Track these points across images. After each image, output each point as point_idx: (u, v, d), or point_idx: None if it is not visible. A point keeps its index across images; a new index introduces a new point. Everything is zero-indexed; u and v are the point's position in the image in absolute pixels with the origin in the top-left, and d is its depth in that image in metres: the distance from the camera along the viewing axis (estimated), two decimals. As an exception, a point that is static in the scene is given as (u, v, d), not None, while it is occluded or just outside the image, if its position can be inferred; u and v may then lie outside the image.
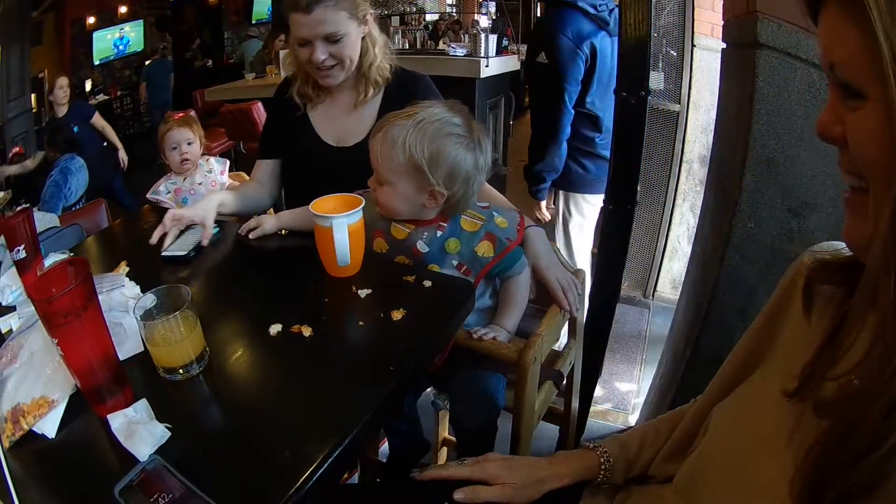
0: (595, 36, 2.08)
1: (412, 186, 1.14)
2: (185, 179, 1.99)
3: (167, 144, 1.98)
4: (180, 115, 2.06)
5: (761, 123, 1.25)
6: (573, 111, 2.15)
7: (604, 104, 2.17)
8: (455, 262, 1.20)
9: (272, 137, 1.64)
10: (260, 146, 1.67)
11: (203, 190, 2.00)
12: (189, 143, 1.98)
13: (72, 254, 1.29)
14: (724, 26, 1.52)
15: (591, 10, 2.08)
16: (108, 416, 0.77)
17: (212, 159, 2.08)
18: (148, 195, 1.98)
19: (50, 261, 1.19)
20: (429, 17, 6.22)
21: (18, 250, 1.15)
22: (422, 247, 1.21)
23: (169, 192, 1.99)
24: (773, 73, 1.22)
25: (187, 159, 1.96)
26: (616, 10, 2.06)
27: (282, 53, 4.82)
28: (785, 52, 1.21)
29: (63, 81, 4.63)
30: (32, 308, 1.02)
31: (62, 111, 4.59)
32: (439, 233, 1.20)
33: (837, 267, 0.62)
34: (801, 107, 1.23)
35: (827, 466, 0.51)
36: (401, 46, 5.79)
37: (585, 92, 2.16)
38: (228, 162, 2.12)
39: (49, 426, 0.81)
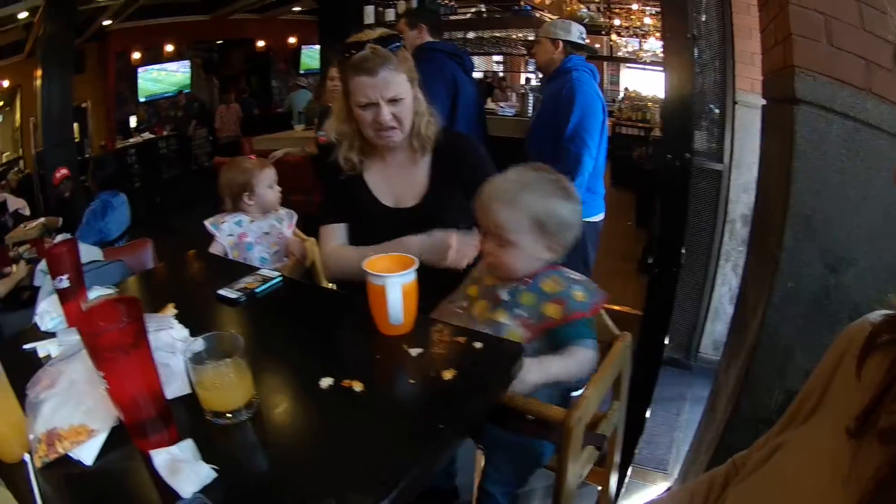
0: (457, 72, 2.55)
1: (535, 242, 1.21)
2: (252, 222, 1.92)
3: (264, 182, 1.92)
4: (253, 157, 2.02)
5: (800, 181, 1.24)
6: None
7: (469, 131, 2.49)
8: (524, 314, 1.23)
9: (336, 203, 1.59)
10: (326, 212, 1.60)
11: (269, 241, 1.94)
12: (269, 187, 1.95)
13: (117, 289, 1.30)
14: (763, 82, 1.53)
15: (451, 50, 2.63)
16: (152, 452, 0.77)
17: (282, 210, 2.02)
18: (207, 223, 1.91)
19: (94, 294, 1.20)
20: (475, 76, 6.26)
21: (62, 279, 1.16)
22: (503, 294, 1.26)
23: (232, 234, 1.90)
24: (810, 128, 1.22)
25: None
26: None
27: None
28: (821, 105, 1.21)
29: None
30: (73, 336, 1.04)
31: None
32: (522, 286, 1.25)
33: None
34: (837, 161, 1.22)
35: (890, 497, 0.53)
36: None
37: (453, 121, 2.54)
38: (296, 217, 2.05)
39: (87, 454, 0.81)
